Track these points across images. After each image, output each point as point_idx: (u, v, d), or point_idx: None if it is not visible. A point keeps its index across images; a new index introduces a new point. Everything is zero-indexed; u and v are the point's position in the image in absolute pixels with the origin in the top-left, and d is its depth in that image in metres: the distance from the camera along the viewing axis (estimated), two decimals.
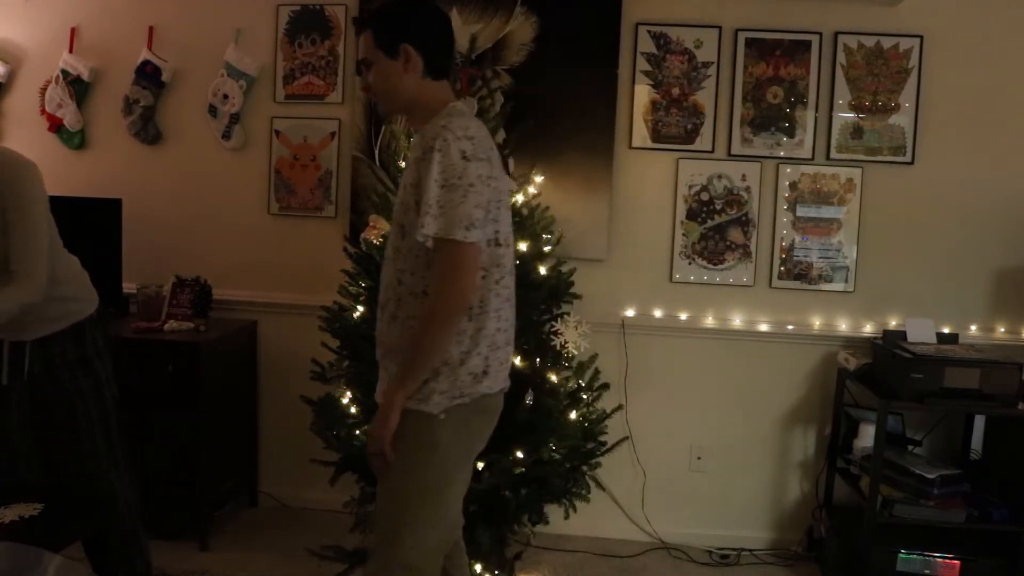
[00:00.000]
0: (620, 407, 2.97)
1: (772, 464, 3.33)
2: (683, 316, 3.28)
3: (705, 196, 3.24)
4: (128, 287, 3.31)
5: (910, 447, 3.11)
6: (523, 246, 2.64)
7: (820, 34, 3.16)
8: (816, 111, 3.19)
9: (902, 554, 2.82)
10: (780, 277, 3.25)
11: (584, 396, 2.81)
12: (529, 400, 2.57)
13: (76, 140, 3.49)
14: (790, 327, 3.24)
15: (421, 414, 1.76)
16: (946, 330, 3.10)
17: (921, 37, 3.12)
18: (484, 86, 2.82)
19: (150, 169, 3.47)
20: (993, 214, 3.16)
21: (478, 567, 2.57)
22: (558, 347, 2.65)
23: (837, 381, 3.19)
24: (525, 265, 2.64)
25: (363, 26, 1.91)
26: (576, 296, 2.82)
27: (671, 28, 3.20)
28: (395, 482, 1.80)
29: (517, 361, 2.56)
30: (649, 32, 3.21)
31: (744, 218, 3.23)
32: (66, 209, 3.28)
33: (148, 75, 3.38)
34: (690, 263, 3.26)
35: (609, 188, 3.23)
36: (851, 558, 2.86)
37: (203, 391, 3.02)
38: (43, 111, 3.47)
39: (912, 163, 3.17)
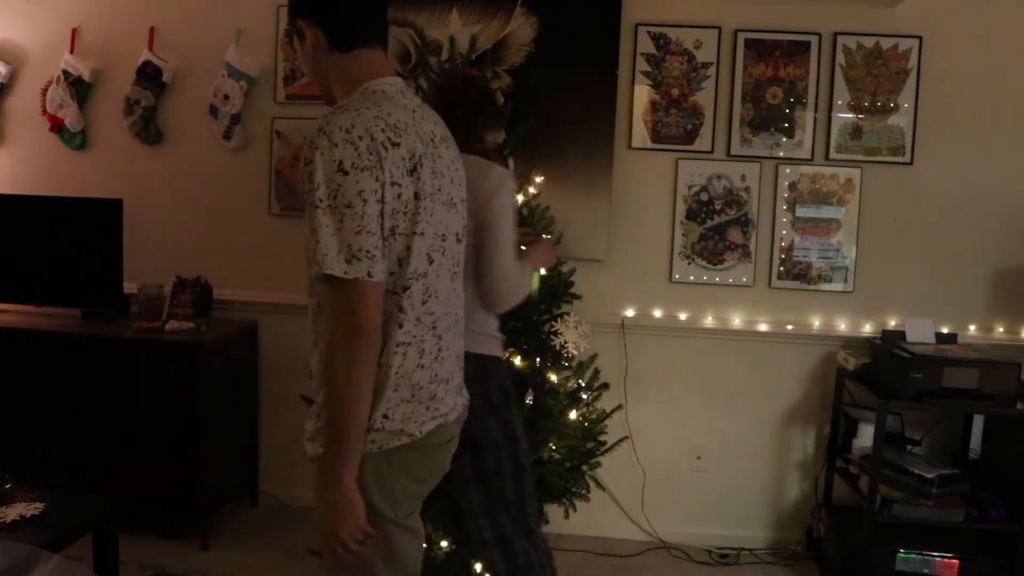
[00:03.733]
0: (620, 407, 2.98)
1: (772, 464, 3.33)
2: (683, 316, 3.29)
3: (705, 196, 3.25)
4: (129, 287, 3.32)
5: (909, 447, 3.12)
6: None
7: (819, 35, 3.17)
8: (815, 111, 3.20)
9: (901, 553, 2.83)
10: (779, 277, 3.26)
11: (584, 396, 2.82)
12: (529, 400, 2.57)
13: (77, 140, 3.50)
14: (789, 327, 3.25)
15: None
16: (945, 330, 3.10)
17: (920, 38, 3.13)
18: None
19: (151, 170, 3.48)
20: (992, 214, 3.17)
21: (478, 567, 2.58)
22: (558, 347, 2.66)
23: (836, 381, 3.19)
24: None
25: None
26: (576, 296, 2.83)
27: (671, 29, 3.20)
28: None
29: (517, 361, 2.56)
30: (649, 33, 3.21)
31: (743, 218, 3.24)
32: (67, 209, 3.32)
33: (149, 76, 3.39)
34: (690, 263, 3.27)
35: (609, 188, 3.24)
36: (850, 557, 2.86)
37: (203, 391, 3.03)
38: (44, 111, 3.47)
39: (911, 163, 3.18)
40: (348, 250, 1.38)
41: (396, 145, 1.44)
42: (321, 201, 1.38)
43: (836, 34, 3.16)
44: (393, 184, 1.43)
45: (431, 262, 1.53)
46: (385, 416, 1.50)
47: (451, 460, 1.72)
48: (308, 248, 1.42)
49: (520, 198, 2.74)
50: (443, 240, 1.56)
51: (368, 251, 1.39)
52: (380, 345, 1.46)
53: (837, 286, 3.23)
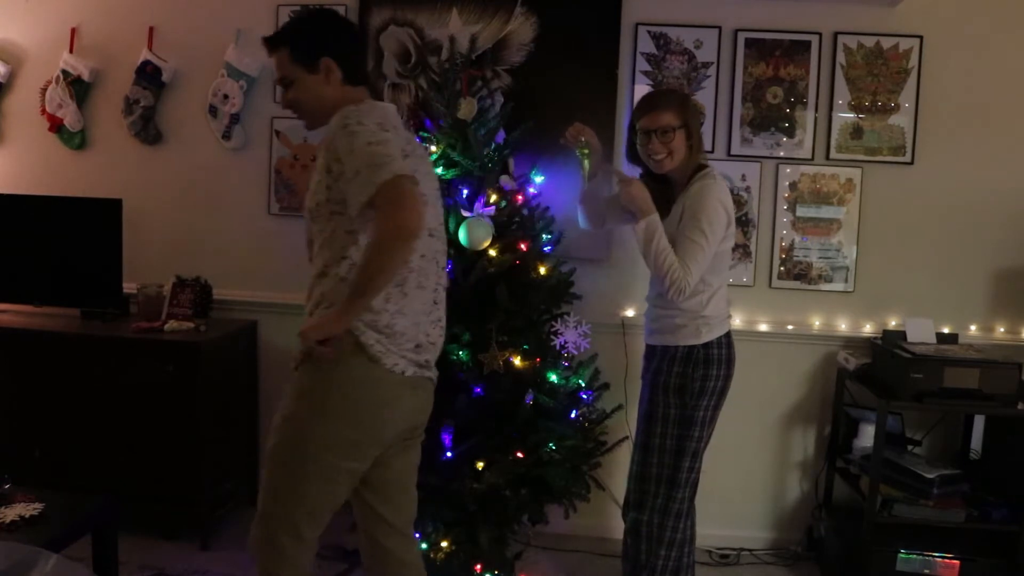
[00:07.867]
0: (620, 407, 2.98)
1: (772, 464, 3.33)
2: None
3: None
4: (128, 287, 3.32)
5: (910, 447, 3.12)
6: (523, 246, 2.64)
7: (820, 34, 3.16)
8: (816, 111, 3.19)
9: (901, 554, 2.83)
10: (780, 277, 3.25)
11: (584, 396, 2.81)
12: (529, 400, 2.57)
13: (76, 140, 3.49)
14: (790, 327, 3.25)
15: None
16: (945, 330, 3.10)
17: (921, 38, 3.13)
18: (484, 86, 2.83)
19: (150, 169, 3.48)
20: (993, 214, 3.16)
21: (478, 567, 2.58)
22: (558, 347, 2.66)
23: (837, 381, 3.19)
24: (525, 265, 2.65)
25: (275, 46, 1.92)
26: (576, 296, 2.83)
27: (671, 28, 3.20)
28: None
29: (517, 361, 2.56)
30: (649, 32, 3.21)
31: (744, 218, 3.24)
32: (67, 209, 3.31)
33: (148, 75, 3.38)
34: None
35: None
36: (851, 558, 2.86)
37: (202, 391, 3.02)
38: (43, 111, 3.47)
39: (912, 163, 3.17)
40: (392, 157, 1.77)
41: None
42: (371, 141, 1.76)
43: (836, 34, 3.16)
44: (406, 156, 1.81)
45: None
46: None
47: None
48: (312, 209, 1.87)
49: (520, 198, 2.75)
50: None
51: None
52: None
53: (837, 286, 3.23)
